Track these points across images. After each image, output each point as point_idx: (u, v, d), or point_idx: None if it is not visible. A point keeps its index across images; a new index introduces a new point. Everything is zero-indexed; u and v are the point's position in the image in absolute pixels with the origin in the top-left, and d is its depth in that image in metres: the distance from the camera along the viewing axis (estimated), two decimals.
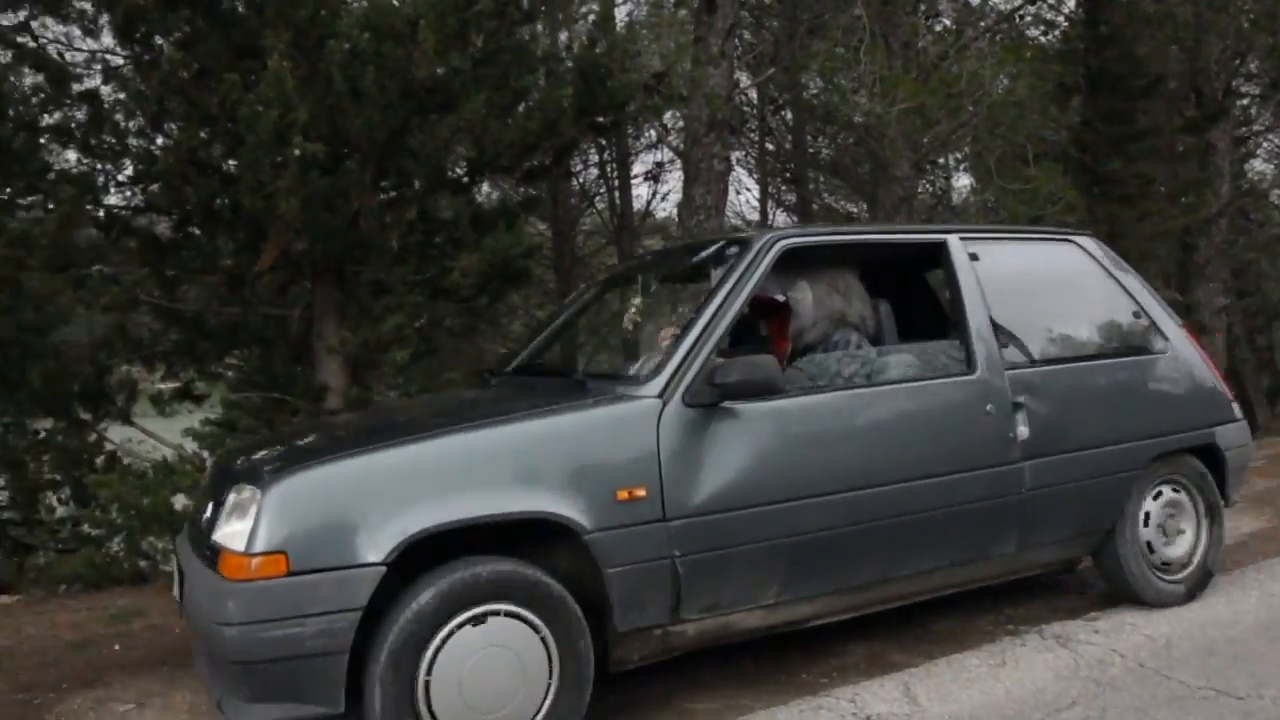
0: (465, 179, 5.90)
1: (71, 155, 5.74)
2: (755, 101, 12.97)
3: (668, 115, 10.80)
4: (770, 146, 14.31)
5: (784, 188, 15.00)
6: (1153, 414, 3.81)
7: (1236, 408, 4.12)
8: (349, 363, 5.27)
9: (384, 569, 2.50)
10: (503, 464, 2.69)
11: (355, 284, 5.51)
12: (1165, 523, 3.85)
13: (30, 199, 5.44)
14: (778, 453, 3.02)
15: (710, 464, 2.90)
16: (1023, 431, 3.46)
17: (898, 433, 3.25)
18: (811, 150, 13.88)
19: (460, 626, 2.58)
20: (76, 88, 5.67)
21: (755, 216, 14.94)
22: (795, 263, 3.47)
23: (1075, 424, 3.60)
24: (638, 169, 13.79)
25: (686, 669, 3.38)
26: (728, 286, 3.14)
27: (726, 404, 2.96)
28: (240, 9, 5.16)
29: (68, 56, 5.98)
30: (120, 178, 5.76)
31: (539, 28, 6.01)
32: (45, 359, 5.36)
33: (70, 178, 5.36)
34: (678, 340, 3.04)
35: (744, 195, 15.73)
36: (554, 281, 11.93)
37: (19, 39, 6.05)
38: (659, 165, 13.77)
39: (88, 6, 5.68)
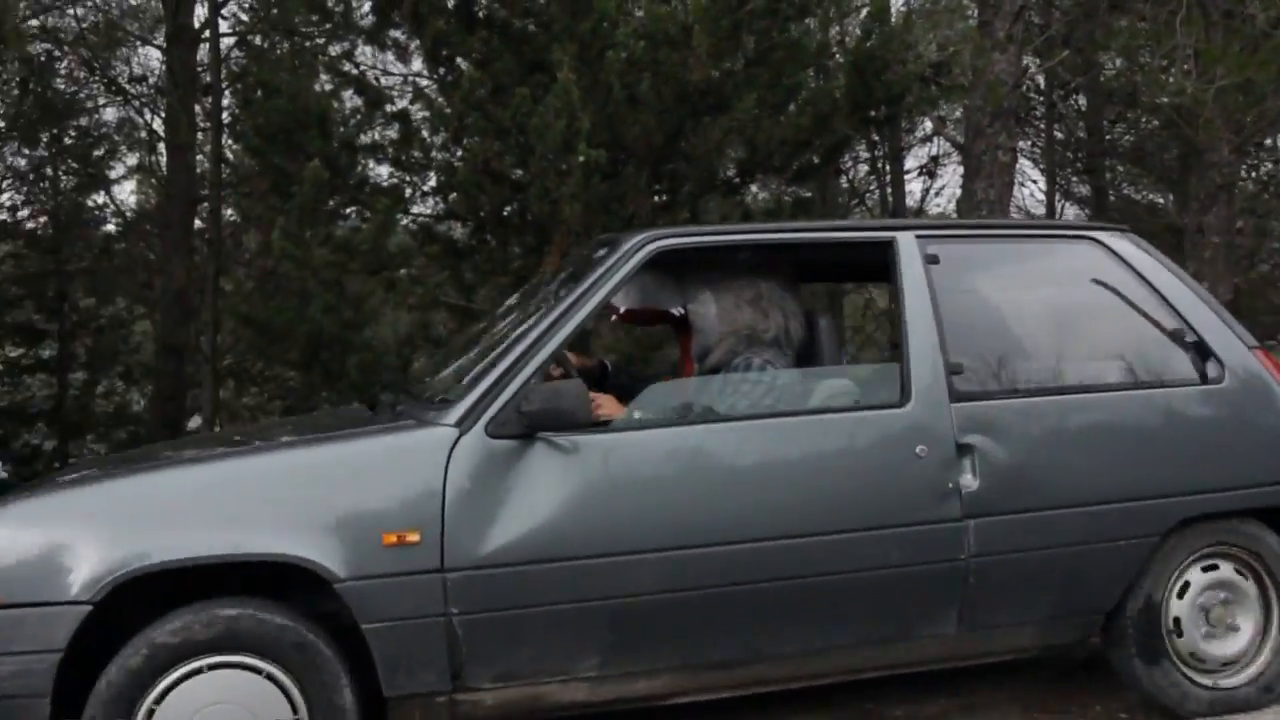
0: (736, 180, 5.96)
1: (384, 170, 6.40)
2: (1043, 87, 12.12)
3: (945, 106, 10.33)
4: (1060, 135, 13.30)
5: (1074, 179, 13.92)
6: (1186, 462, 2.89)
7: None
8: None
9: (89, 608, 2.26)
10: (247, 498, 2.41)
11: None
12: (1211, 609, 2.92)
13: (350, 209, 6.13)
14: (607, 497, 2.52)
15: (513, 507, 2.46)
16: (968, 481, 2.70)
17: (777, 477, 2.64)
18: (1108, 138, 12.77)
19: (188, 677, 2.31)
20: (389, 108, 6.34)
21: (1041, 211, 13.99)
22: (699, 269, 3.01)
23: (1054, 473, 2.78)
24: (911, 163, 13.35)
25: (960, 687, 3.23)
26: (573, 295, 2.65)
27: (550, 437, 2.50)
28: (531, 27, 5.52)
29: (383, 80, 6.69)
30: (425, 189, 6.37)
31: (811, 24, 5.93)
32: (361, 352, 5.99)
33: (383, 190, 5.99)
34: (494, 360, 2.60)
35: (1028, 188, 14.69)
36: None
37: (343, 66, 6.85)
38: (934, 159, 13.24)
39: (400, 35, 6.30)
